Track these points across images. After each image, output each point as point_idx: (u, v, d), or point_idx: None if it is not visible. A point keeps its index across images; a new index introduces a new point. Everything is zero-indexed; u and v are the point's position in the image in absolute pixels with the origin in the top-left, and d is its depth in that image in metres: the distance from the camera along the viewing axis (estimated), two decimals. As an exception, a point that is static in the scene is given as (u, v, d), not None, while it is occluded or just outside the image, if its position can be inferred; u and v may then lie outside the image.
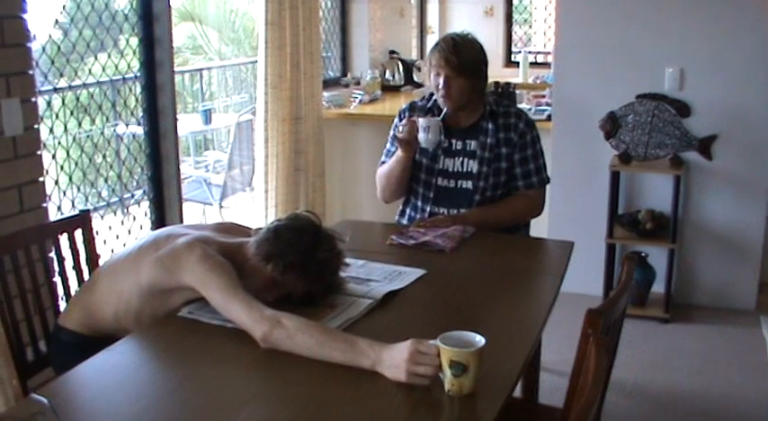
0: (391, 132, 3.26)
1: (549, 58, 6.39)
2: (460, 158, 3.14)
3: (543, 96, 5.62)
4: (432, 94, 3.20)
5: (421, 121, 3.01)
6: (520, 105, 5.36)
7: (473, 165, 3.11)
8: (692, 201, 4.46)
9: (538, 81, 6.88)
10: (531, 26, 8.74)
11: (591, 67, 4.50)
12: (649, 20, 4.34)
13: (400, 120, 3.26)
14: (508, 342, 2.06)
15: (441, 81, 3.05)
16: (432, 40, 8.21)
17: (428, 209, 3.16)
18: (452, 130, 3.15)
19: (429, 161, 3.15)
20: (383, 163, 3.28)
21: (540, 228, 3.71)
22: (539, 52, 8.23)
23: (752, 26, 4.18)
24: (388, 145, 3.30)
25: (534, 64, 7.55)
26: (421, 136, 3.00)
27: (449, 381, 1.76)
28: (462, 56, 3.02)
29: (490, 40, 7.90)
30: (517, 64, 7.45)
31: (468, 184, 3.12)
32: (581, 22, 4.48)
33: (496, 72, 7.28)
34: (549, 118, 4.84)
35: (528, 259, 2.81)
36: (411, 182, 3.22)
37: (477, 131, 3.13)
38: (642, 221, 4.33)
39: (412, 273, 2.53)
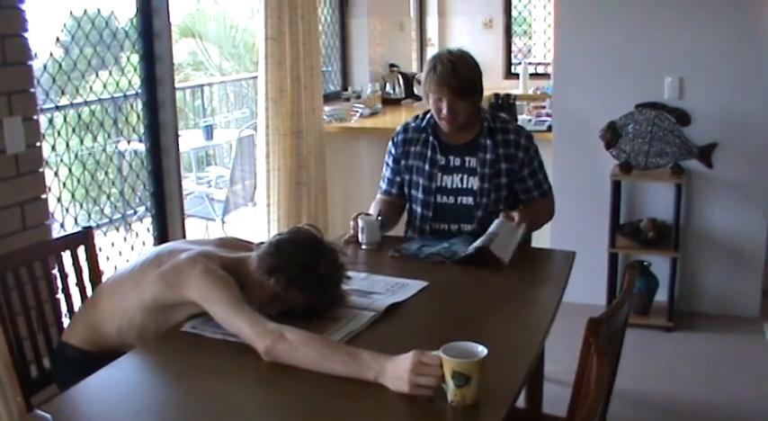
0: (385, 157, 3.25)
1: (549, 69, 6.40)
2: (459, 175, 3.10)
3: (543, 107, 5.63)
4: (426, 112, 3.15)
5: (359, 222, 2.96)
6: (520, 116, 5.39)
7: (473, 182, 3.08)
8: (694, 209, 4.46)
9: (538, 92, 6.91)
10: (530, 38, 8.77)
11: (590, 78, 4.51)
12: (648, 29, 4.36)
13: (393, 144, 3.22)
14: (511, 352, 2.06)
15: (443, 106, 2.97)
16: (432, 52, 8.23)
17: (428, 227, 3.14)
18: (450, 147, 3.11)
19: (426, 181, 3.11)
20: (381, 189, 3.28)
21: (541, 238, 3.71)
22: (538, 63, 8.25)
23: (751, 34, 4.20)
24: (384, 170, 3.27)
25: (534, 75, 7.58)
26: (359, 236, 2.96)
27: (452, 392, 1.76)
28: (463, 78, 2.95)
29: (490, 51, 7.93)
30: (517, 75, 7.48)
31: (469, 201, 3.09)
32: (580, 32, 4.50)
33: (497, 83, 7.32)
34: (549, 129, 4.85)
35: (530, 269, 2.81)
36: (410, 203, 3.21)
37: (475, 148, 3.09)
38: (644, 230, 4.33)
39: (414, 286, 2.53)
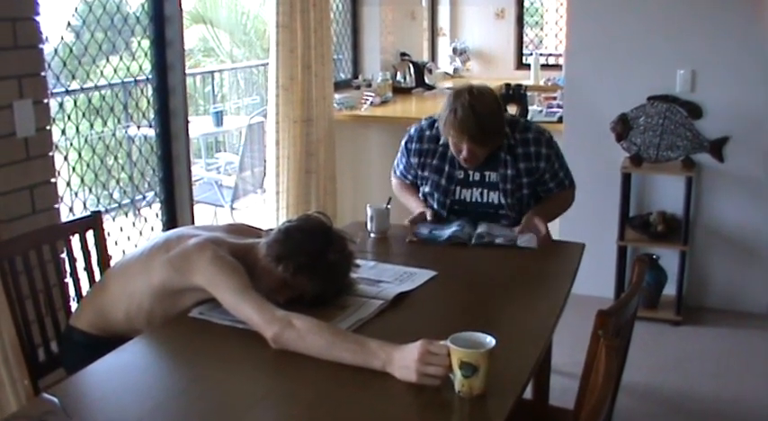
0: (400, 150, 3.19)
1: (561, 61, 6.38)
2: (479, 189, 3.04)
3: (554, 98, 5.61)
4: None
5: (368, 210, 2.96)
6: (531, 107, 5.36)
7: (494, 197, 3.03)
8: (704, 202, 4.44)
9: (549, 83, 6.88)
10: (542, 28, 8.72)
11: (602, 69, 4.49)
12: (660, 21, 4.33)
13: (407, 150, 3.13)
14: (519, 343, 2.06)
15: (463, 149, 2.87)
16: (443, 42, 8.22)
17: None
18: None
19: (441, 196, 3.07)
20: (397, 176, 3.27)
21: (551, 229, 3.69)
22: (550, 54, 8.22)
23: (763, 27, 4.16)
24: (399, 156, 3.22)
25: (545, 66, 7.55)
26: (368, 225, 2.97)
27: (459, 382, 1.75)
28: (484, 125, 2.81)
29: (501, 42, 7.91)
30: (528, 66, 7.44)
31: (489, 212, 3.05)
32: (592, 24, 4.47)
33: (508, 74, 7.30)
34: (560, 120, 4.83)
35: (539, 260, 2.80)
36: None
37: (495, 163, 3.00)
38: (653, 223, 4.32)
39: (422, 275, 2.53)
